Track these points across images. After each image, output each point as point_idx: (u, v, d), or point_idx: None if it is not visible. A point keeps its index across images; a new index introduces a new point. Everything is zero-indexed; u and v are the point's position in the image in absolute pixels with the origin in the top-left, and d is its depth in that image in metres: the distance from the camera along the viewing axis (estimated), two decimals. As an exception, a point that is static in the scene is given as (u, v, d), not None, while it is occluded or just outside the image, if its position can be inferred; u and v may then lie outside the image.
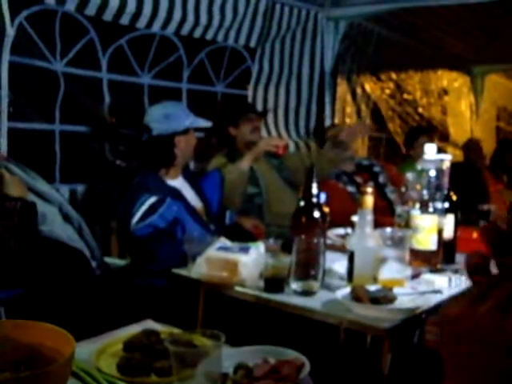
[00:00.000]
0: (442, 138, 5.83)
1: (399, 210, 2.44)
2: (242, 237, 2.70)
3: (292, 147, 4.01)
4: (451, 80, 6.08)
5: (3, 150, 2.46)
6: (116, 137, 2.79)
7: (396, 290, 1.81)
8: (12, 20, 2.43)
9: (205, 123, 2.83)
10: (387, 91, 5.05)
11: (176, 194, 2.63)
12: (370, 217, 1.90)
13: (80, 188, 2.84)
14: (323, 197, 2.07)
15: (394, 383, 1.78)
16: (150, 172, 2.67)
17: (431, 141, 4.43)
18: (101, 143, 2.87)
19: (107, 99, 2.96)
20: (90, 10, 2.75)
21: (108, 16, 2.83)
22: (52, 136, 2.74)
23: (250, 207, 3.20)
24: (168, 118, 2.68)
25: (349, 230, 2.44)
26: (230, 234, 2.47)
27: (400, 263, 1.97)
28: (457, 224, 2.30)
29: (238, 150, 3.31)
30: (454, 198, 2.29)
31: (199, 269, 2.03)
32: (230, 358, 1.22)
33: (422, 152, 2.32)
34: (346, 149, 3.36)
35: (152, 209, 2.50)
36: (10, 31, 2.41)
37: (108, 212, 2.72)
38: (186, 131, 2.72)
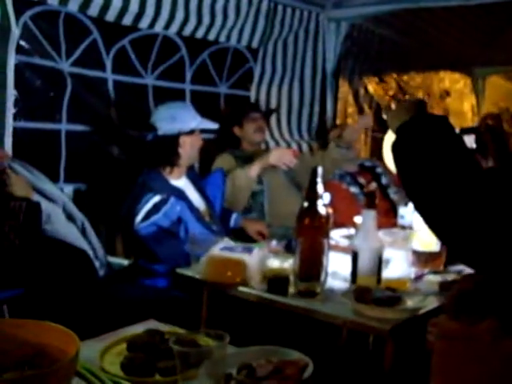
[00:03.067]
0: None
1: (402, 210, 2.44)
2: (245, 241, 2.70)
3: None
4: (453, 81, 6.07)
5: (8, 149, 2.46)
6: (122, 137, 2.80)
7: (399, 291, 1.81)
8: (17, 20, 2.43)
9: (211, 125, 2.84)
10: (390, 92, 5.05)
11: (180, 194, 2.64)
12: (373, 217, 1.90)
13: (85, 187, 2.85)
14: (327, 197, 2.07)
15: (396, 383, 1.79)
16: (154, 171, 2.68)
17: None
18: (107, 143, 2.88)
19: (113, 99, 2.96)
20: (93, 11, 2.75)
21: (111, 16, 2.83)
22: (58, 135, 2.74)
23: (252, 204, 3.20)
24: (174, 118, 2.69)
25: (352, 231, 2.44)
26: (234, 237, 2.47)
27: (403, 264, 1.98)
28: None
29: (244, 150, 3.31)
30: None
31: (203, 269, 2.03)
32: (233, 358, 1.23)
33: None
34: (350, 148, 3.36)
35: (156, 208, 2.52)
36: (15, 31, 2.41)
37: (113, 211, 2.72)
38: (191, 132, 2.73)
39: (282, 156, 3.06)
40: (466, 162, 1.06)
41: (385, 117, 1.28)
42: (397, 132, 1.17)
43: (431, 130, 1.10)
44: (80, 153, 2.81)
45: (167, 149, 2.68)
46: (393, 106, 1.27)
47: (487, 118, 1.46)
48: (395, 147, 1.15)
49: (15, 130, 2.50)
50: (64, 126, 2.76)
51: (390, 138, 1.36)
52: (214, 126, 2.86)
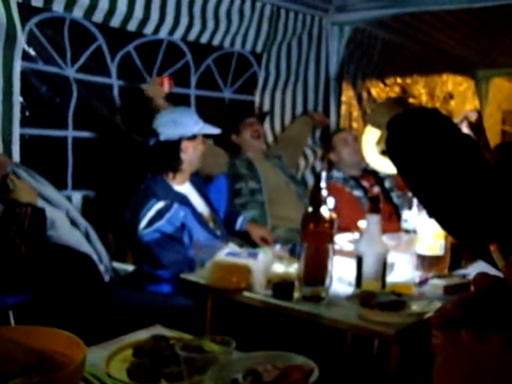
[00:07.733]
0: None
1: (406, 214, 2.44)
2: (249, 244, 2.70)
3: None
4: (456, 84, 6.08)
5: (15, 156, 2.47)
6: (128, 143, 2.81)
7: (403, 295, 1.81)
8: (22, 26, 2.45)
9: (214, 130, 2.84)
10: (393, 96, 5.05)
11: (183, 200, 2.63)
12: (377, 222, 1.91)
13: (93, 194, 2.86)
14: (331, 202, 2.07)
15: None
16: (157, 177, 2.68)
17: None
18: (113, 149, 2.88)
19: (118, 105, 2.97)
20: (98, 17, 2.76)
21: (115, 22, 2.84)
22: (64, 142, 2.75)
23: (250, 201, 3.20)
24: (176, 123, 2.69)
25: (356, 235, 2.44)
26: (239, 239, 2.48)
27: (408, 268, 1.98)
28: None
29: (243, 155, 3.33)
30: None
31: (208, 274, 2.04)
32: (239, 363, 1.23)
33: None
34: None
35: (159, 214, 2.51)
36: (21, 37, 2.43)
37: (121, 218, 2.73)
38: (193, 137, 2.73)
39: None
40: (468, 149, 1.06)
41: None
42: (389, 126, 1.15)
43: (429, 120, 1.09)
44: (87, 159, 2.82)
45: (169, 154, 2.67)
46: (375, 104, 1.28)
47: (468, 114, 1.46)
48: (391, 142, 1.14)
49: (22, 137, 2.51)
50: (70, 133, 2.77)
51: (369, 135, 1.35)
52: (216, 131, 2.85)
